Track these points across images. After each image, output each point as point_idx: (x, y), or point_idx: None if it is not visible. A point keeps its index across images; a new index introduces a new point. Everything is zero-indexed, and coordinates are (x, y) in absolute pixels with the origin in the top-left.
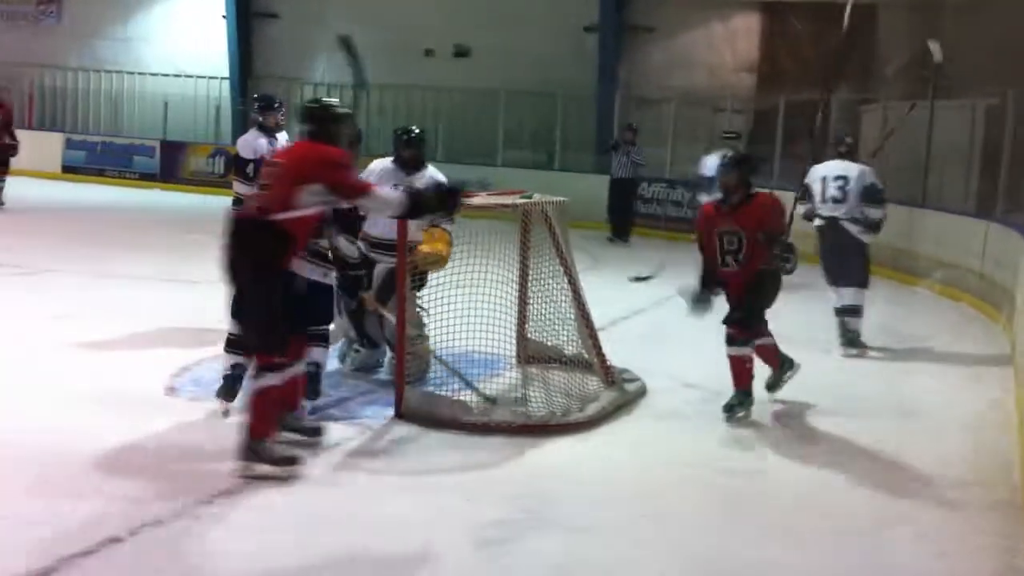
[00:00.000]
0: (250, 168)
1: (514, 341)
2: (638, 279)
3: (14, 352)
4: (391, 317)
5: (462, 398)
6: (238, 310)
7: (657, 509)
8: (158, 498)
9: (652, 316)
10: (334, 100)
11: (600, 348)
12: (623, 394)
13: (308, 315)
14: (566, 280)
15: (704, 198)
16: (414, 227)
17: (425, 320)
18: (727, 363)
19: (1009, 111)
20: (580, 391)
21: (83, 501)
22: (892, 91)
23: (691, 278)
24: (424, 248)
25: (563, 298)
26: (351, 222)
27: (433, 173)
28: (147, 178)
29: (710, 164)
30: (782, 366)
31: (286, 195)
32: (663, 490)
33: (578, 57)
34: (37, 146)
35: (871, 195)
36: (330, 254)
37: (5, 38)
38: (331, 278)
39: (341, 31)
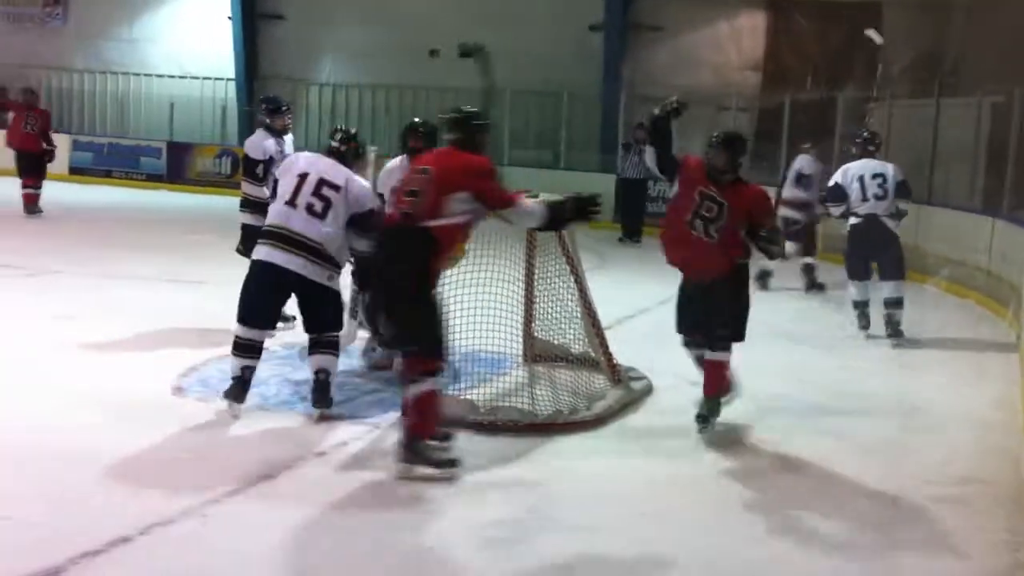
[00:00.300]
0: (259, 169)
1: (521, 340)
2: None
3: (22, 352)
4: None
5: (468, 397)
6: (376, 316)
7: (663, 508)
8: (167, 497)
9: (658, 315)
10: (476, 109)
11: (607, 346)
12: (629, 392)
13: (315, 321)
14: (572, 279)
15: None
16: None
17: None
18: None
19: (1015, 108)
20: (587, 390)
21: (92, 500)
22: (898, 89)
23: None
24: None
25: (569, 297)
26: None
27: None
28: (154, 179)
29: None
30: (727, 389)
31: (435, 203)
32: (669, 489)
33: (583, 56)
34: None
35: (904, 190)
36: (341, 256)
37: (11, 40)
38: (336, 282)
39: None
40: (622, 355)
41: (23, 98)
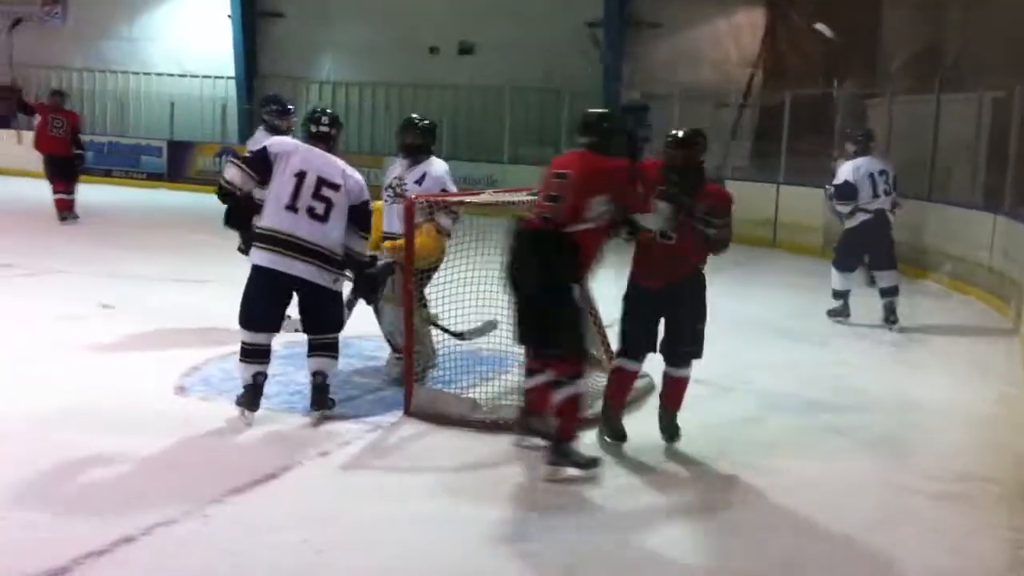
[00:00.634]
0: None
1: None
2: None
3: (24, 352)
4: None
5: (470, 396)
6: (521, 321)
7: (666, 506)
8: (170, 497)
9: None
10: (610, 111)
11: (608, 345)
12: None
13: (316, 323)
14: None
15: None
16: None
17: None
18: (667, 380)
19: (1016, 104)
20: (588, 388)
21: (95, 501)
22: (899, 85)
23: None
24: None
25: None
26: (365, 214)
27: (428, 165)
28: (154, 178)
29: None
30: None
31: (575, 207)
32: (672, 486)
33: (582, 53)
34: (28, 141)
35: (897, 184)
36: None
37: (10, 39)
38: (340, 284)
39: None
40: None
41: (49, 100)
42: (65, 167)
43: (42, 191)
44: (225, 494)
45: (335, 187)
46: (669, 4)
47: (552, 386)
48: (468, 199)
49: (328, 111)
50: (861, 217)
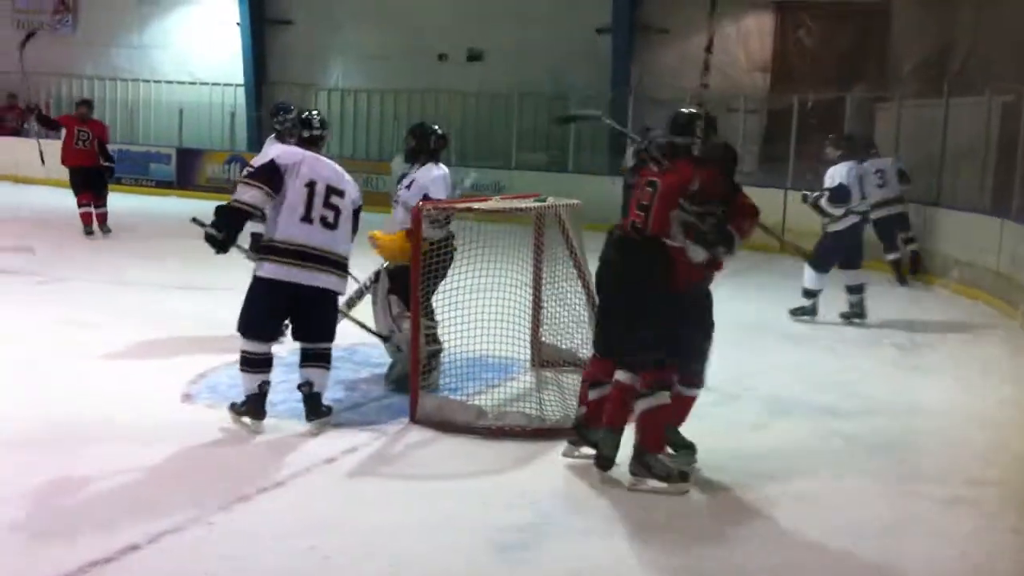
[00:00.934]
0: None
1: (528, 345)
2: None
3: (30, 358)
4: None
5: (476, 403)
6: (616, 327)
7: (673, 512)
8: (176, 505)
9: None
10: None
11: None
12: None
13: (313, 331)
14: (580, 283)
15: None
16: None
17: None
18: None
19: None
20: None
21: (100, 508)
22: (907, 89)
23: None
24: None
25: (577, 301)
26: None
27: (420, 170)
28: (163, 185)
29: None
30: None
31: (661, 218)
32: (679, 493)
33: (591, 59)
34: (54, 155)
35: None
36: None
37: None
38: (343, 286)
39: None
40: None
41: (76, 111)
42: (92, 179)
43: (60, 198)
44: (231, 502)
45: (341, 194)
46: (677, 9)
47: (634, 397)
48: (476, 206)
49: (316, 112)
50: (851, 220)
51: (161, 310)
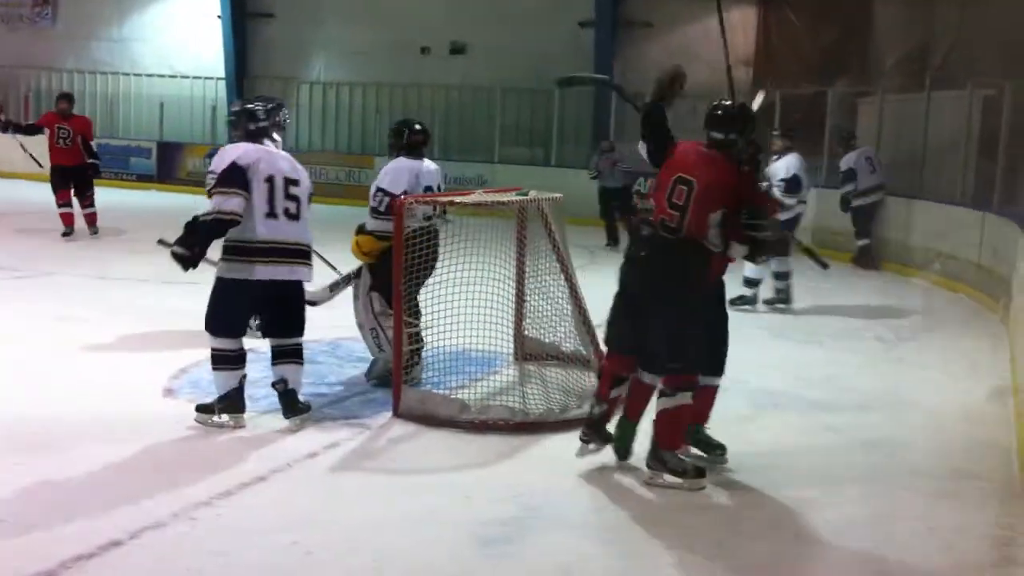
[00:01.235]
0: None
1: (511, 338)
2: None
3: (13, 354)
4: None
5: (459, 396)
6: (642, 327)
7: (657, 506)
8: (157, 500)
9: None
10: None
11: (598, 344)
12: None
13: (286, 325)
14: (563, 277)
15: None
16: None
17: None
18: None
19: (1006, 102)
20: (578, 388)
21: (81, 503)
22: (889, 83)
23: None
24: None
25: (560, 295)
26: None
27: (388, 165)
28: (144, 179)
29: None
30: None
31: (699, 220)
32: (663, 487)
33: (574, 53)
34: (43, 155)
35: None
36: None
37: (1, 41)
38: (311, 275)
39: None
40: None
41: (56, 106)
42: (73, 177)
43: (39, 192)
44: (214, 497)
45: (297, 183)
46: (661, 4)
47: (655, 394)
48: (458, 199)
49: (262, 102)
50: (798, 209)
51: (142, 305)
